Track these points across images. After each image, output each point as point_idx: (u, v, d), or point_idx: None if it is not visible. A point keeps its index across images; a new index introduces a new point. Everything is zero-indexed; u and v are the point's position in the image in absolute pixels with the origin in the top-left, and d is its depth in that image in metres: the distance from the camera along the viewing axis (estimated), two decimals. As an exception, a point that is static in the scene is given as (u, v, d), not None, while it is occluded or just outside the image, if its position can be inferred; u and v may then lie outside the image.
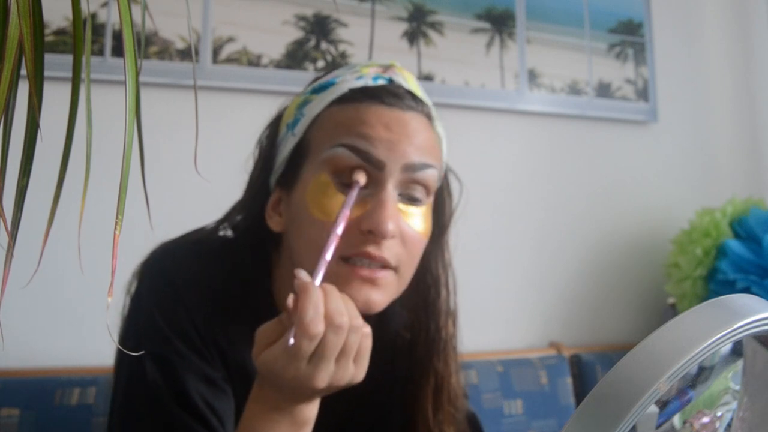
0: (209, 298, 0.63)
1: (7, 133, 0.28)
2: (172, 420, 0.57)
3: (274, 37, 1.32)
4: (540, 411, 1.29)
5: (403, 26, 1.43)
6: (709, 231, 1.38)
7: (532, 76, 1.54)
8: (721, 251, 1.36)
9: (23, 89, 0.27)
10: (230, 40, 1.29)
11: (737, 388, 0.36)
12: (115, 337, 0.64)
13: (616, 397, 0.27)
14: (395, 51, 1.41)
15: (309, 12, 1.36)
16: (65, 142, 0.28)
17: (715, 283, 1.36)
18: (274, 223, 0.66)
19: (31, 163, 0.28)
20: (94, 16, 1.20)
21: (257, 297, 0.66)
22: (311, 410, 0.55)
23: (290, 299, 0.50)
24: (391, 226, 0.57)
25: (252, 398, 0.54)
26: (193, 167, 0.35)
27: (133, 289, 0.66)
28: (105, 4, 1.21)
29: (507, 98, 1.51)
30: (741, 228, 1.39)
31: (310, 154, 0.62)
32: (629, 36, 1.66)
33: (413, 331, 0.70)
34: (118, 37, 1.20)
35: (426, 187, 0.62)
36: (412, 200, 0.61)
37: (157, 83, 1.23)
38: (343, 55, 1.37)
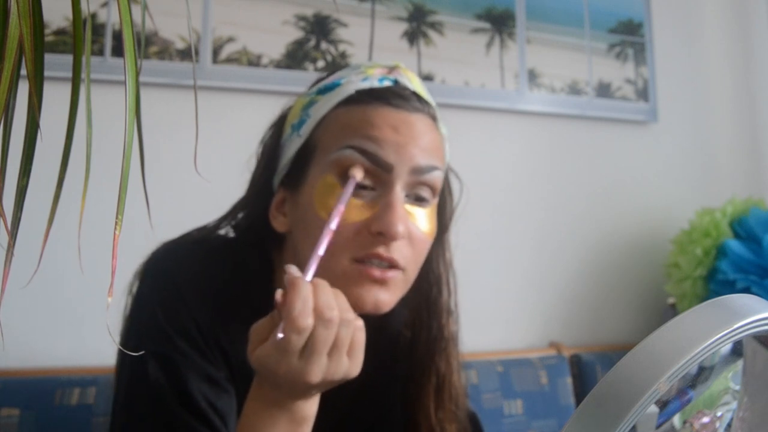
0: (211, 298, 0.63)
1: (7, 133, 0.28)
2: (174, 420, 0.57)
3: (274, 37, 1.32)
4: (540, 411, 1.29)
5: (403, 26, 1.43)
6: (709, 231, 1.38)
7: (532, 76, 1.54)
8: (721, 251, 1.36)
9: (23, 89, 0.27)
10: (230, 40, 1.29)
11: (737, 388, 0.36)
12: (116, 337, 0.64)
13: (616, 397, 0.27)
14: (395, 51, 1.41)
15: (309, 12, 1.36)
16: (65, 142, 0.28)
17: (715, 283, 1.36)
18: (279, 223, 0.66)
19: (31, 163, 0.28)
20: (94, 16, 1.20)
21: (259, 296, 0.66)
22: (310, 407, 0.55)
23: (278, 294, 0.50)
24: (401, 228, 0.58)
25: (251, 396, 0.54)
26: (193, 167, 0.35)
27: (134, 289, 0.66)
28: (105, 4, 1.21)
29: (507, 98, 1.51)
30: (741, 228, 1.39)
31: (317, 155, 0.62)
32: (629, 36, 1.66)
33: (414, 330, 0.70)
34: (118, 37, 1.20)
35: (432, 188, 0.63)
36: (419, 200, 0.62)
37: (157, 83, 1.23)
38: (343, 55, 1.37)
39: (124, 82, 0.28)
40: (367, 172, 0.59)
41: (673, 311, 1.49)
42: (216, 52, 1.28)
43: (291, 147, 0.64)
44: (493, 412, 1.24)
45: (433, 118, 0.65)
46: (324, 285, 0.52)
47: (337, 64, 1.36)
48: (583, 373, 1.37)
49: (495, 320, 1.45)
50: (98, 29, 1.20)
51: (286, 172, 0.65)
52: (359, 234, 0.59)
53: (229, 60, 1.29)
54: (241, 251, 0.68)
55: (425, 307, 0.69)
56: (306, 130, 0.63)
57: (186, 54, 1.25)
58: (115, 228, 0.27)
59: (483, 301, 1.43)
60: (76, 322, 1.13)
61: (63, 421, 0.99)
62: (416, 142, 0.60)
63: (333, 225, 0.56)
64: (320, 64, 1.35)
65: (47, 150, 0.36)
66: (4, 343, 0.84)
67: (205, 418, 0.58)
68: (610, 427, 0.27)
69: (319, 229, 0.58)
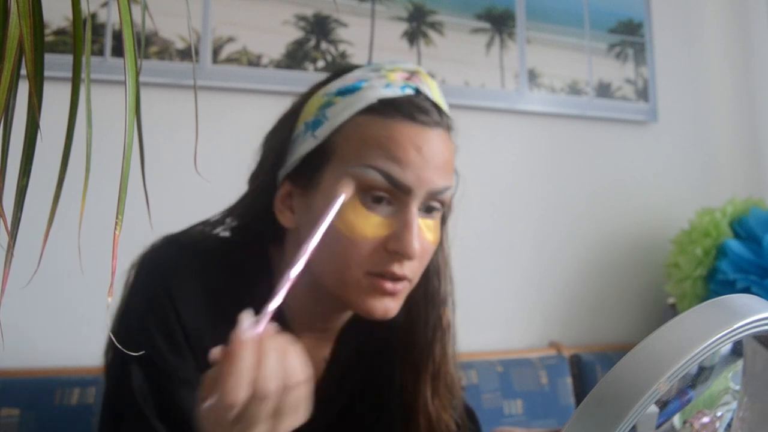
0: (202, 301, 0.63)
1: (7, 133, 0.28)
2: (148, 424, 0.58)
3: (274, 37, 1.32)
4: (540, 411, 1.29)
5: (403, 26, 1.43)
6: (709, 231, 1.38)
7: (532, 76, 1.54)
8: (721, 251, 1.36)
9: (23, 89, 0.27)
10: (230, 40, 1.29)
11: (737, 388, 0.36)
12: (115, 337, 0.65)
13: (616, 397, 0.27)
14: (395, 51, 1.41)
15: (309, 12, 1.36)
16: (65, 142, 0.28)
17: (715, 283, 1.36)
18: (286, 218, 0.66)
19: (31, 163, 0.28)
20: (94, 16, 1.20)
21: (259, 294, 0.67)
22: None
23: (215, 352, 0.46)
24: (417, 248, 0.60)
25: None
26: (193, 167, 0.35)
27: (129, 281, 0.66)
28: (105, 4, 1.21)
29: (507, 98, 1.51)
30: (741, 228, 1.39)
31: (333, 162, 0.62)
32: (629, 36, 1.66)
33: (412, 319, 0.70)
34: (118, 37, 1.20)
35: (442, 203, 0.64)
36: (429, 211, 0.63)
37: (157, 83, 1.23)
38: (343, 55, 1.37)
39: (124, 82, 0.28)
40: (384, 189, 0.60)
41: (673, 311, 1.49)
42: (216, 52, 1.28)
43: (304, 145, 0.64)
44: (493, 412, 1.24)
45: (449, 129, 0.65)
46: (271, 348, 0.46)
47: (338, 64, 1.36)
48: (583, 373, 1.37)
49: (495, 320, 1.45)
50: (98, 29, 1.20)
51: (294, 167, 0.65)
52: (376, 250, 0.60)
53: (229, 60, 1.29)
54: (238, 252, 0.68)
55: (423, 297, 0.70)
56: (322, 132, 0.63)
57: (186, 54, 1.25)
58: (115, 228, 0.27)
59: (483, 301, 1.43)
60: (76, 322, 1.13)
61: (63, 421, 0.99)
62: (435, 164, 0.61)
63: (310, 248, 0.52)
64: (320, 64, 1.35)
65: (47, 150, 0.36)
66: (4, 343, 0.84)
67: (179, 426, 0.59)
68: (610, 427, 0.27)
69: (336, 243, 0.59)
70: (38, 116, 0.27)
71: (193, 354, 0.62)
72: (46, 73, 0.28)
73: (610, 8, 1.64)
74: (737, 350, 0.35)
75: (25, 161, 0.28)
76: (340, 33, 1.38)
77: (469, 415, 0.78)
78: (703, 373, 0.34)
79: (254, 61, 1.30)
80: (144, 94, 0.33)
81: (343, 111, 0.62)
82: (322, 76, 0.70)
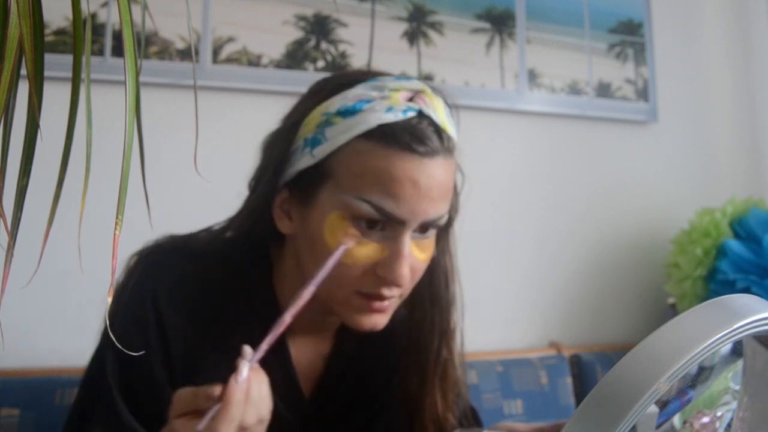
0: (189, 310, 0.65)
1: (7, 133, 0.28)
2: (117, 422, 0.61)
3: (274, 37, 1.32)
4: (540, 411, 1.29)
5: (403, 26, 1.43)
6: (709, 231, 1.38)
7: (532, 76, 1.54)
8: (721, 251, 1.36)
9: (23, 89, 0.27)
10: (230, 40, 1.29)
11: (737, 388, 0.36)
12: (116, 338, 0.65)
13: (616, 397, 0.27)
14: (395, 51, 1.41)
15: (309, 12, 1.36)
16: (65, 142, 0.28)
17: (715, 283, 1.36)
18: (284, 225, 0.66)
19: (31, 163, 0.28)
20: (94, 16, 1.20)
21: (259, 295, 0.68)
22: None
23: (217, 390, 0.50)
24: (405, 277, 0.61)
25: None
26: (193, 167, 0.35)
27: (125, 272, 0.68)
28: (105, 4, 1.21)
29: (507, 98, 1.51)
30: (741, 228, 1.39)
31: (330, 184, 0.62)
32: (629, 36, 1.66)
33: (416, 322, 0.71)
34: (118, 37, 1.20)
35: (437, 227, 0.65)
36: (423, 231, 0.64)
37: (157, 83, 1.23)
38: (343, 55, 1.37)
39: (124, 82, 0.28)
40: (378, 219, 0.60)
41: (673, 311, 1.49)
42: (216, 52, 1.28)
43: (302, 161, 0.63)
44: (493, 412, 1.24)
45: (451, 152, 0.64)
46: (254, 390, 0.52)
47: (338, 64, 1.36)
48: (583, 373, 1.37)
49: (495, 320, 1.45)
50: (98, 29, 1.20)
51: (292, 178, 0.65)
52: (366, 273, 0.61)
53: (229, 60, 1.29)
54: (239, 254, 0.69)
55: (429, 300, 0.70)
56: (321, 152, 0.62)
57: (186, 54, 1.25)
58: (115, 228, 0.27)
59: (483, 301, 1.43)
60: (75, 322, 1.13)
61: (63, 421, 0.98)
62: (431, 196, 0.61)
63: (307, 294, 0.55)
64: (320, 64, 1.35)
65: (47, 150, 0.36)
66: (4, 343, 0.84)
67: (141, 412, 0.62)
68: (610, 427, 0.27)
69: (324, 255, 0.59)
70: (38, 116, 0.27)
71: (167, 355, 0.64)
72: (46, 73, 0.28)
73: (610, 8, 1.64)
74: (737, 350, 0.35)
75: (25, 161, 0.28)
76: (340, 33, 1.38)
77: (473, 415, 0.78)
78: (703, 373, 0.34)
79: (254, 61, 1.30)
80: (144, 94, 0.33)
81: (342, 133, 0.61)
82: (322, 76, 0.70)
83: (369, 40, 1.40)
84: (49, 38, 1.16)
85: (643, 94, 1.66)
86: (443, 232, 0.70)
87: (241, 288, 0.68)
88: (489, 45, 1.51)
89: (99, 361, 0.65)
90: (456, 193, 0.71)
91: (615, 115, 1.62)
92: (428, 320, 0.70)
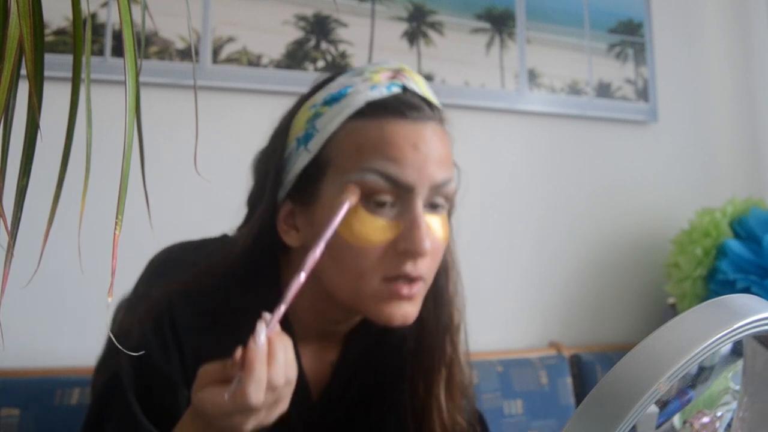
0: (206, 308, 0.64)
1: (7, 133, 0.28)
2: (133, 422, 0.60)
3: (274, 37, 1.32)
4: (540, 411, 1.29)
5: (403, 26, 1.43)
6: (709, 231, 1.38)
7: (532, 76, 1.55)
8: (721, 251, 1.36)
9: (23, 89, 0.27)
10: (230, 40, 1.29)
11: (737, 388, 0.36)
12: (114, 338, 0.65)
13: (616, 397, 0.27)
14: (395, 51, 1.41)
15: (309, 12, 1.36)
16: (65, 142, 0.28)
17: (715, 283, 1.36)
18: (291, 238, 0.65)
19: (31, 163, 0.28)
20: (94, 16, 1.20)
21: (268, 298, 0.67)
22: None
23: (237, 354, 0.50)
24: (427, 245, 0.59)
25: (182, 424, 0.55)
26: (193, 167, 0.35)
27: (139, 276, 0.68)
28: (105, 4, 1.21)
29: (507, 98, 1.51)
30: (741, 228, 1.39)
31: (330, 173, 0.61)
32: (629, 36, 1.66)
33: (421, 321, 0.69)
34: (118, 37, 1.20)
35: (447, 197, 0.64)
36: (434, 207, 0.63)
37: (157, 83, 1.23)
38: (343, 55, 1.37)
39: (124, 82, 0.28)
40: (386, 191, 0.59)
41: (673, 311, 1.49)
42: (216, 52, 1.28)
43: (298, 162, 0.63)
44: (493, 412, 1.24)
45: (442, 122, 0.65)
46: (281, 348, 0.52)
47: (337, 64, 1.36)
48: (583, 373, 1.37)
49: (495, 320, 1.45)
50: (98, 29, 1.20)
51: (292, 185, 0.64)
52: (386, 254, 0.60)
53: (229, 60, 1.29)
54: (248, 268, 0.68)
55: (432, 298, 0.69)
56: (315, 145, 0.62)
57: (186, 54, 1.25)
58: (115, 228, 0.27)
59: (483, 301, 1.43)
60: (76, 322, 1.14)
61: (63, 421, 0.98)
62: (433, 158, 0.61)
63: (318, 253, 0.55)
64: (320, 64, 1.35)
65: (47, 150, 0.36)
66: (4, 343, 0.84)
67: (157, 416, 0.61)
68: (610, 427, 0.27)
69: (344, 252, 0.59)
70: (38, 116, 0.27)
71: (182, 357, 0.63)
72: (46, 73, 0.28)
73: (610, 8, 1.64)
74: (737, 350, 0.35)
75: (25, 161, 0.28)
76: (340, 33, 1.38)
77: (480, 420, 0.78)
78: (703, 373, 0.34)
79: (254, 61, 1.30)
80: (144, 94, 0.33)
81: (332, 120, 0.61)
82: (322, 76, 0.70)
83: (369, 40, 1.40)
84: (49, 38, 1.16)
85: (643, 94, 1.66)
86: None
87: (251, 291, 0.67)
88: (489, 45, 1.51)
89: (112, 364, 0.63)
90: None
91: (615, 115, 1.62)
92: (432, 318, 0.69)
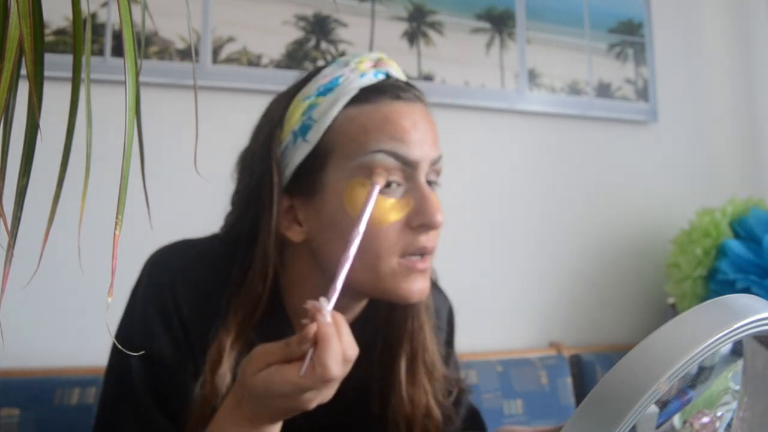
0: (208, 302, 0.64)
1: (7, 133, 0.28)
2: (146, 417, 0.60)
3: (274, 37, 1.33)
4: (540, 411, 1.29)
5: (403, 26, 1.43)
6: (709, 231, 1.38)
7: (532, 76, 1.54)
8: (721, 251, 1.36)
9: (23, 89, 0.27)
10: (230, 40, 1.29)
11: (737, 388, 0.36)
12: (114, 335, 0.65)
13: (616, 397, 0.27)
14: (395, 51, 1.41)
15: (309, 12, 1.36)
16: (65, 142, 0.28)
17: (715, 283, 1.36)
18: (294, 232, 0.65)
19: (31, 163, 0.28)
20: (94, 16, 1.20)
21: (269, 304, 0.67)
22: (279, 426, 0.56)
23: (311, 329, 0.51)
24: (440, 217, 0.61)
25: (223, 413, 0.55)
26: (193, 167, 0.35)
27: (139, 275, 0.67)
28: (105, 4, 1.21)
29: (507, 98, 1.51)
30: (741, 228, 1.39)
31: (334, 160, 0.62)
32: (629, 36, 1.66)
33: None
34: (118, 37, 1.20)
35: (438, 173, 0.66)
36: (430, 184, 0.64)
37: (157, 83, 1.23)
38: (343, 55, 1.37)
39: (124, 82, 0.28)
40: (393, 170, 0.61)
41: (673, 311, 1.49)
42: (216, 52, 1.28)
43: (297, 153, 0.63)
44: (493, 412, 1.24)
45: (426, 103, 0.67)
46: (344, 324, 0.53)
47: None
48: (583, 373, 1.37)
49: (495, 320, 1.45)
50: (98, 29, 1.20)
51: (291, 178, 0.64)
52: (402, 232, 0.61)
53: (229, 60, 1.29)
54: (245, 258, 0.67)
55: None
56: (314, 135, 0.62)
57: (186, 54, 1.25)
58: (115, 228, 0.27)
59: (483, 301, 1.43)
60: (76, 322, 1.13)
61: (63, 421, 0.99)
62: (429, 136, 0.63)
63: (361, 229, 0.56)
64: (320, 64, 1.35)
65: (47, 150, 0.36)
66: (4, 343, 0.84)
67: (175, 419, 0.61)
68: (610, 427, 0.27)
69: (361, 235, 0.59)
70: (38, 116, 0.27)
71: (191, 351, 0.63)
72: (46, 73, 0.28)
73: (610, 8, 1.64)
74: (737, 350, 0.35)
75: (25, 161, 0.28)
76: (340, 33, 1.38)
77: (473, 415, 0.78)
78: (703, 373, 0.34)
79: (254, 61, 1.30)
80: (144, 94, 0.33)
81: (329, 109, 0.63)
82: (304, 72, 0.70)
83: (369, 40, 1.40)
84: (49, 38, 1.16)
85: (643, 94, 1.66)
86: None
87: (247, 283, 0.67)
88: (489, 45, 1.51)
89: (121, 362, 0.63)
90: None
91: (615, 115, 1.62)
92: None
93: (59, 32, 1.17)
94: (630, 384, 0.27)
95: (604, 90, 1.62)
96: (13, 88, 0.27)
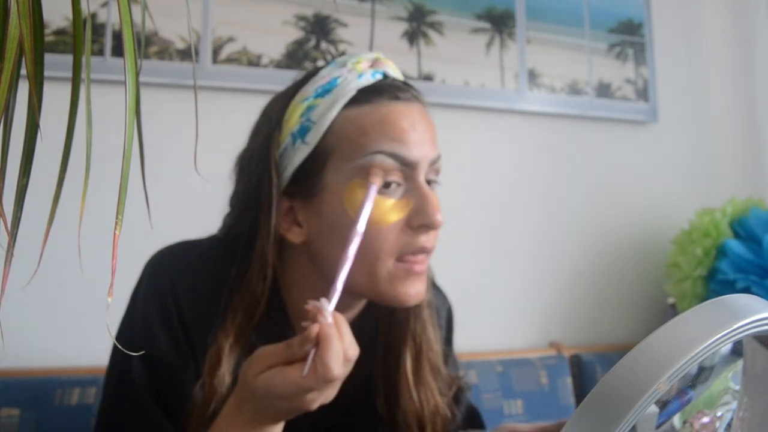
0: (208, 303, 0.64)
1: (7, 133, 0.28)
2: (148, 416, 0.60)
3: (274, 37, 1.33)
4: (540, 411, 1.29)
5: (403, 26, 1.43)
6: (709, 231, 1.38)
7: (532, 76, 1.54)
8: (721, 251, 1.36)
9: (23, 89, 0.27)
10: (230, 40, 1.29)
11: (737, 388, 0.36)
12: (115, 336, 0.65)
13: (616, 397, 0.27)
14: (395, 51, 1.41)
15: (309, 12, 1.36)
16: (65, 142, 0.28)
17: (715, 283, 1.36)
18: (294, 234, 0.65)
19: (31, 163, 0.28)
20: (94, 16, 1.20)
21: (269, 306, 0.66)
22: (281, 426, 0.57)
23: (313, 330, 0.51)
24: (440, 217, 0.61)
25: (226, 414, 0.55)
26: (193, 167, 0.35)
27: (140, 278, 0.67)
28: (105, 4, 1.21)
29: (507, 98, 1.51)
30: (741, 228, 1.39)
31: (333, 161, 0.62)
32: (629, 36, 1.66)
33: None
34: (118, 37, 1.20)
35: (437, 172, 0.66)
36: (429, 183, 0.64)
37: (157, 83, 1.23)
38: (343, 55, 1.37)
39: (124, 82, 0.28)
40: (393, 171, 0.61)
41: (673, 311, 1.49)
42: (216, 52, 1.28)
43: (296, 155, 0.63)
44: (493, 412, 1.24)
45: (423, 103, 0.67)
46: (345, 324, 0.53)
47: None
48: (583, 373, 1.37)
49: (495, 320, 1.45)
50: (98, 29, 1.20)
51: (290, 180, 0.64)
52: (402, 232, 0.61)
53: (229, 60, 1.29)
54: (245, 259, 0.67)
55: None
56: (313, 137, 0.62)
57: (186, 54, 1.25)
58: (115, 228, 0.27)
59: (483, 301, 1.43)
60: (76, 322, 1.13)
61: (63, 421, 0.99)
62: (428, 136, 0.63)
63: (361, 229, 0.56)
64: (320, 64, 1.35)
65: (47, 150, 0.36)
66: (4, 343, 0.84)
67: (173, 414, 0.61)
68: (610, 427, 0.27)
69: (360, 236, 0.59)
70: (38, 116, 0.27)
71: (192, 352, 0.63)
72: (46, 73, 0.28)
73: (610, 8, 1.64)
74: (737, 350, 0.35)
75: (25, 161, 0.28)
76: (340, 33, 1.38)
77: (473, 414, 0.78)
78: (703, 373, 0.34)
79: (254, 61, 1.30)
80: (144, 94, 0.33)
81: (328, 111, 0.62)
82: (301, 73, 0.70)
83: (369, 40, 1.40)
84: (49, 38, 1.16)
85: (643, 94, 1.66)
86: None
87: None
88: (489, 45, 1.51)
89: (122, 362, 0.63)
90: None
91: (615, 115, 1.62)
92: None
93: (59, 32, 1.17)
94: (630, 384, 0.27)
95: (604, 90, 1.62)
96: (13, 88, 0.27)
